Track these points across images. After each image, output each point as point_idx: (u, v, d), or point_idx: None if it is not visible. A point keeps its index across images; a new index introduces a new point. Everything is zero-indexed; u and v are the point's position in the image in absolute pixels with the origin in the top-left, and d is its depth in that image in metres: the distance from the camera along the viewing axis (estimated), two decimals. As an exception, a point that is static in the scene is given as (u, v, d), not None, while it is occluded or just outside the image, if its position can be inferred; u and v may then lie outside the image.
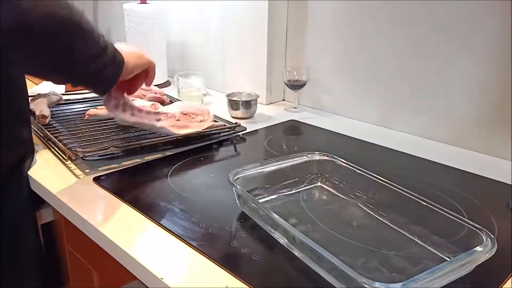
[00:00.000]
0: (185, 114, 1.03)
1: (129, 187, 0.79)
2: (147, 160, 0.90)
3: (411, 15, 1.03)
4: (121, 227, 0.67)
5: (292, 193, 0.76)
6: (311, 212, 0.70)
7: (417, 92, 1.07)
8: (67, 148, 0.86)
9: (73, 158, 0.83)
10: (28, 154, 0.86)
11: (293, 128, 1.15)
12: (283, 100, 1.39)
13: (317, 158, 0.79)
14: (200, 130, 0.99)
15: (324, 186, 0.78)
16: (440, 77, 1.02)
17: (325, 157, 0.78)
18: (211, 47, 1.45)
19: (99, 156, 0.87)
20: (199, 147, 0.98)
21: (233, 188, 0.69)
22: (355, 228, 0.67)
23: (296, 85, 1.25)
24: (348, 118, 1.23)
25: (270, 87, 1.34)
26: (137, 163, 0.88)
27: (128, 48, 0.79)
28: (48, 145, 0.95)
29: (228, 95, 1.22)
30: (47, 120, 1.03)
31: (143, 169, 0.86)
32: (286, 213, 0.70)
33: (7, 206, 0.80)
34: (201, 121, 1.04)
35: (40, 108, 1.05)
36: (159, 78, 1.48)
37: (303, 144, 1.05)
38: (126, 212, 0.71)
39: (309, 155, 0.79)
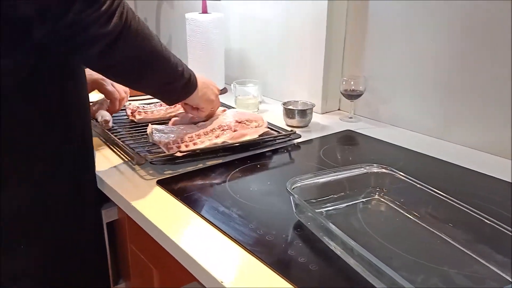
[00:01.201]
0: (240, 122, 1.06)
1: (191, 191, 0.82)
2: (208, 165, 0.93)
3: (481, 22, 1.00)
4: (182, 229, 0.70)
5: (349, 205, 0.76)
6: (369, 225, 0.70)
7: (481, 104, 1.03)
8: (135, 153, 0.91)
9: (142, 162, 0.87)
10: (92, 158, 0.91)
11: (348, 139, 1.15)
12: (339, 109, 1.39)
13: (376, 171, 0.78)
14: (257, 136, 1.01)
15: (382, 199, 0.77)
16: (508, 88, 0.98)
17: (384, 170, 0.78)
18: (268, 55, 1.47)
19: (165, 160, 0.92)
20: (255, 155, 1.01)
21: (291, 197, 0.70)
22: (414, 243, 0.66)
23: (352, 95, 1.25)
24: (406, 129, 1.20)
25: (326, 96, 1.34)
26: (198, 168, 0.92)
27: (206, 82, 0.97)
28: (113, 148, 1.00)
29: (284, 104, 1.23)
30: (110, 124, 1.09)
31: (204, 173, 0.89)
32: (343, 224, 0.70)
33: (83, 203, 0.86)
34: (256, 127, 1.07)
35: (101, 114, 1.11)
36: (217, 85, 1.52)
37: (359, 155, 1.05)
38: (187, 215, 0.74)
39: (367, 167, 0.79)
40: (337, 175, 0.78)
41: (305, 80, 1.36)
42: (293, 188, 0.72)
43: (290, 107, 1.23)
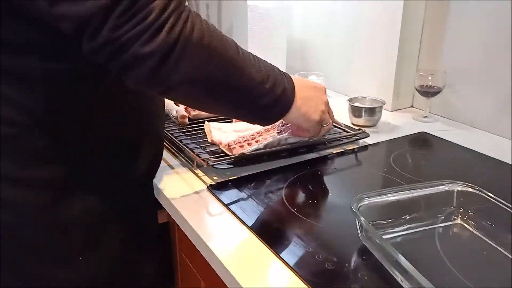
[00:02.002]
0: None
1: (243, 200, 0.75)
2: (264, 169, 0.85)
3: None
4: (229, 245, 0.63)
5: (425, 230, 0.65)
6: (447, 256, 0.59)
7: None
8: (195, 155, 0.84)
9: (205, 165, 0.81)
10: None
11: (423, 143, 1.02)
12: (412, 106, 1.25)
13: (459, 189, 0.66)
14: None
15: (466, 225, 0.66)
16: None
17: (470, 189, 0.66)
18: (334, 46, 1.36)
19: (227, 163, 0.85)
20: (316, 158, 0.91)
21: (356, 218, 0.61)
22: (502, 283, 0.55)
23: (429, 92, 1.11)
24: (491, 133, 1.05)
25: (398, 92, 1.21)
26: (253, 172, 0.84)
27: (309, 96, 0.75)
28: (169, 147, 0.95)
29: (350, 100, 1.12)
30: (187, 121, 1.03)
31: (259, 179, 0.81)
32: (417, 254, 0.60)
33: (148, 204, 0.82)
34: None
35: (175, 108, 1.05)
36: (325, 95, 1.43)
37: (436, 165, 0.92)
38: (236, 229, 0.67)
39: (449, 185, 0.67)
40: (412, 193, 0.67)
41: (374, 73, 1.24)
42: (360, 207, 0.62)
43: (357, 104, 1.12)
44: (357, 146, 0.98)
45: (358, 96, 1.15)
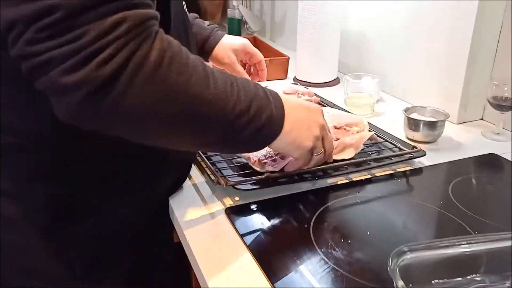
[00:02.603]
0: (339, 128, 0.83)
1: (262, 232, 0.64)
2: (297, 191, 0.73)
3: None
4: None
5: (486, 299, 0.50)
6: None
7: None
8: (215, 171, 0.74)
9: (223, 185, 0.71)
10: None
11: (492, 168, 0.85)
12: (481, 119, 1.07)
13: (537, 249, 0.51)
14: (362, 147, 0.79)
15: (543, 299, 0.50)
16: None
17: (551, 251, 0.50)
18: (392, 44, 1.19)
19: (251, 184, 0.73)
20: (357, 182, 0.78)
21: (394, 281, 0.47)
22: None
23: (503, 105, 0.93)
24: None
25: (465, 102, 1.03)
26: (280, 195, 0.72)
27: (300, 119, 0.62)
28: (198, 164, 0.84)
29: (406, 111, 0.97)
30: None
31: (286, 205, 0.70)
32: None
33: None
34: (358, 132, 0.84)
35: None
36: (327, 75, 1.30)
37: (509, 201, 0.75)
38: (248, 266, 0.56)
39: (523, 241, 0.52)
40: (473, 246, 0.52)
41: (438, 77, 1.06)
42: (401, 263, 0.49)
43: (414, 115, 0.96)
44: (410, 168, 0.83)
45: (416, 105, 0.99)
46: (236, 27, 1.78)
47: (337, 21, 1.24)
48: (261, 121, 0.56)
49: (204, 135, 0.53)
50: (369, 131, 0.86)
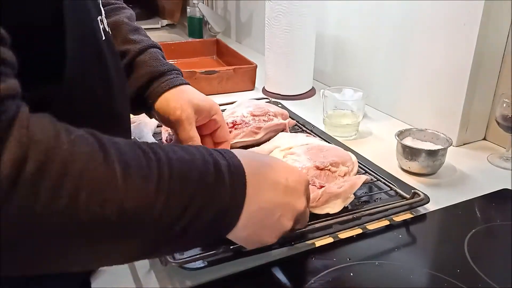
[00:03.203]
0: (322, 169, 0.65)
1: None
2: (266, 262, 0.55)
3: None
4: None
5: None
6: None
7: None
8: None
9: (164, 264, 0.51)
10: None
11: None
12: (484, 139, 0.91)
13: None
14: (352, 197, 0.61)
15: None
16: None
17: None
18: (379, 51, 1.01)
19: (204, 262, 0.54)
20: (346, 239, 0.60)
21: None
22: None
23: (516, 127, 0.77)
24: None
25: (467, 122, 0.87)
26: (248, 268, 0.54)
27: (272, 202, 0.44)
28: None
29: (399, 135, 0.79)
30: None
31: (252, 284, 0.51)
32: None
33: None
34: (345, 175, 0.65)
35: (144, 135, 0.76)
36: (301, 86, 1.11)
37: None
38: None
39: None
40: None
41: (434, 92, 0.89)
42: None
43: (409, 142, 0.78)
44: (411, 216, 0.65)
45: (411, 127, 0.82)
46: (197, 28, 1.57)
47: (311, 24, 1.05)
48: (205, 220, 0.38)
49: (127, 248, 0.36)
50: (361, 171, 0.68)
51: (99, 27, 0.46)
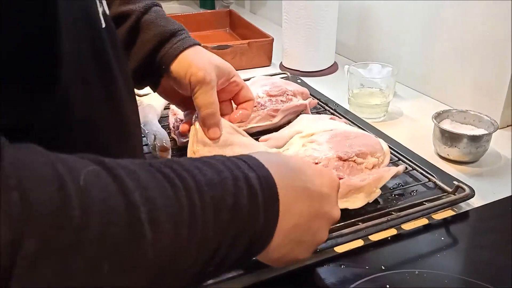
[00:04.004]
0: (344, 160, 0.56)
1: None
2: (284, 272, 0.47)
3: None
4: None
5: None
6: None
7: None
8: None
9: None
10: None
11: None
12: (528, 119, 0.81)
13: None
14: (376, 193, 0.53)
15: None
16: None
17: None
18: (408, 22, 0.90)
19: None
20: (376, 242, 0.52)
21: None
22: None
23: None
24: None
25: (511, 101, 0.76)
26: (264, 279, 0.46)
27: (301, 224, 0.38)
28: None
29: (436, 117, 0.69)
30: (169, 154, 0.65)
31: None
32: None
33: None
34: (373, 167, 0.57)
35: (153, 132, 0.67)
36: (322, 61, 1.01)
37: None
38: None
39: None
40: None
41: (473, 65, 0.79)
42: None
43: (449, 126, 0.69)
44: (452, 213, 0.57)
45: (449, 108, 0.72)
46: (209, -1, 1.47)
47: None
48: (236, 252, 0.33)
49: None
50: (393, 158, 0.59)
51: (98, 11, 0.38)
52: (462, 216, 0.57)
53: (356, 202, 0.53)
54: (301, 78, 0.94)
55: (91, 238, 0.23)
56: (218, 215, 0.30)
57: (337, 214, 0.41)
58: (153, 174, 0.28)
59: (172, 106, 0.72)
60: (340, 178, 0.54)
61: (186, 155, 0.55)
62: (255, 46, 1.03)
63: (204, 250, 0.30)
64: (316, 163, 0.55)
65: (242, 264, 0.37)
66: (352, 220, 0.52)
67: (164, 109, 0.77)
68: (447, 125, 0.69)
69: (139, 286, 0.26)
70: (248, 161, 0.35)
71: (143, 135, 0.67)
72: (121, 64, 0.42)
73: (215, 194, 0.31)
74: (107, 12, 0.41)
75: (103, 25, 0.38)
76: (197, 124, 0.53)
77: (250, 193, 0.33)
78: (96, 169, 0.25)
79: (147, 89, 0.62)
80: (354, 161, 0.56)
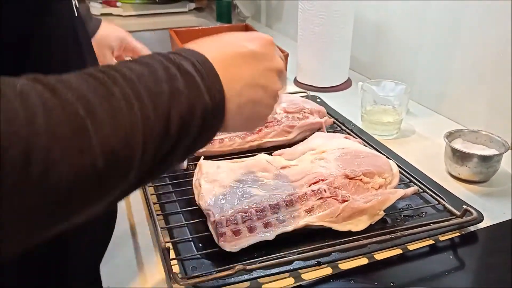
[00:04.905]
0: (351, 179, 0.57)
1: None
2: (295, 285, 0.48)
3: None
4: None
5: None
6: None
7: None
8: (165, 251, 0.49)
9: (174, 281, 0.45)
10: None
11: None
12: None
13: None
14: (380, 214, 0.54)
15: None
16: None
17: None
18: (423, 40, 0.91)
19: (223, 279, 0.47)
20: (381, 261, 0.52)
21: None
22: None
23: None
24: None
25: (526, 121, 0.76)
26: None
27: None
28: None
29: (448, 136, 0.70)
30: (184, 165, 0.67)
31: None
32: None
33: None
34: (379, 188, 0.57)
35: None
36: (336, 77, 1.02)
37: None
38: None
39: None
40: None
41: (486, 86, 0.79)
42: None
43: (460, 146, 0.69)
44: (458, 234, 0.57)
45: (461, 128, 0.72)
46: (226, 12, 1.49)
47: (349, 8, 0.96)
48: (190, 131, 0.34)
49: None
50: (404, 179, 0.59)
51: (73, 2, 0.42)
52: (471, 236, 0.57)
53: (359, 225, 0.54)
54: (320, 97, 0.94)
55: (41, 131, 0.25)
56: (154, 102, 0.31)
57: (279, 63, 0.43)
58: (84, 78, 0.30)
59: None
60: (344, 201, 0.54)
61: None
62: (270, 60, 1.04)
63: (152, 137, 0.31)
64: (322, 180, 0.56)
65: (206, 141, 0.38)
66: (357, 237, 0.53)
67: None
68: (458, 144, 0.70)
69: (95, 170, 0.28)
70: (179, 52, 0.36)
71: None
72: (90, 49, 0.47)
73: (148, 84, 0.32)
74: (77, 3, 0.45)
75: (76, 14, 0.42)
76: None
77: (186, 78, 0.34)
78: (29, 82, 0.27)
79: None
80: (360, 180, 0.56)
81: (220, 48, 0.39)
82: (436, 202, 0.59)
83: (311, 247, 0.51)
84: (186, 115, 0.33)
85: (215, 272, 0.47)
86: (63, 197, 0.27)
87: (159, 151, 0.32)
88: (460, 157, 0.67)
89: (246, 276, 0.47)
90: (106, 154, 0.28)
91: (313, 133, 0.73)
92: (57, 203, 0.27)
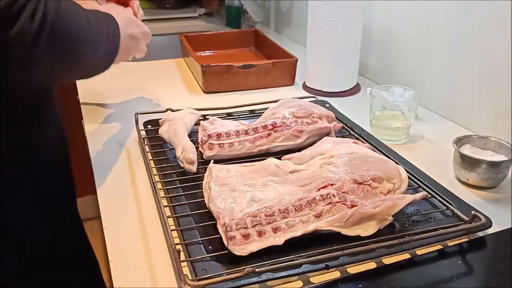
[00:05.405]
0: (360, 183, 0.57)
1: None
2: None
3: None
4: None
5: None
6: None
7: None
8: (175, 248, 0.50)
9: (184, 282, 0.46)
10: None
11: None
12: (554, 147, 0.80)
13: None
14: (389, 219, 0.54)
15: None
16: None
17: None
18: (431, 45, 0.91)
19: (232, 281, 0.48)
20: (388, 266, 0.52)
21: None
22: None
23: None
24: None
25: (535, 127, 0.76)
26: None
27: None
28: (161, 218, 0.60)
29: (456, 142, 0.70)
30: (194, 168, 0.67)
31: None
32: None
33: None
34: (388, 193, 0.58)
35: (182, 144, 0.70)
36: (345, 82, 1.03)
37: None
38: None
39: None
40: None
41: (496, 92, 0.79)
42: None
43: (468, 151, 0.69)
44: (466, 239, 0.57)
45: (470, 134, 0.73)
46: (235, 17, 1.51)
47: (358, 14, 0.97)
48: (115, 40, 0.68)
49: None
50: (413, 184, 0.60)
51: None
52: (479, 242, 0.57)
53: (367, 230, 0.54)
54: (329, 102, 0.94)
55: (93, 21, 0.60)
56: (106, 24, 0.65)
57: (146, 30, 0.82)
58: (95, 14, 0.63)
59: (202, 122, 0.77)
60: (353, 206, 0.55)
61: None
62: (279, 66, 1.05)
63: (106, 35, 0.64)
64: (331, 185, 0.57)
65: (117, 46, 0.69)
66: (365, 241, 0.53)
67: (195, 124, 0.80)
68: (467, 150, 0.70)
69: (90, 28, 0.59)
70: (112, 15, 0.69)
71: (172, 147, 0.72)
72: None
73: (106, 20, 0.66)
74: None
75: None
76: None
77: (112, 26, 0.67)
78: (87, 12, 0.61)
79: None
80: (369, 185, 0.57)
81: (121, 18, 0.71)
82: (445, 208, 0.59)
83: (319, 250, 0.52)
84: (114, 31, 0.67)
85: (224, 274, 0.48)
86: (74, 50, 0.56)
87: (107, 42, 0.64)
88: (469, 163, 0.67)
89: (255, 279, 0.48)
90: (96, 32, 0.60)
91: (322, 138, 0.73)
92: (72, 53, 0.56)
